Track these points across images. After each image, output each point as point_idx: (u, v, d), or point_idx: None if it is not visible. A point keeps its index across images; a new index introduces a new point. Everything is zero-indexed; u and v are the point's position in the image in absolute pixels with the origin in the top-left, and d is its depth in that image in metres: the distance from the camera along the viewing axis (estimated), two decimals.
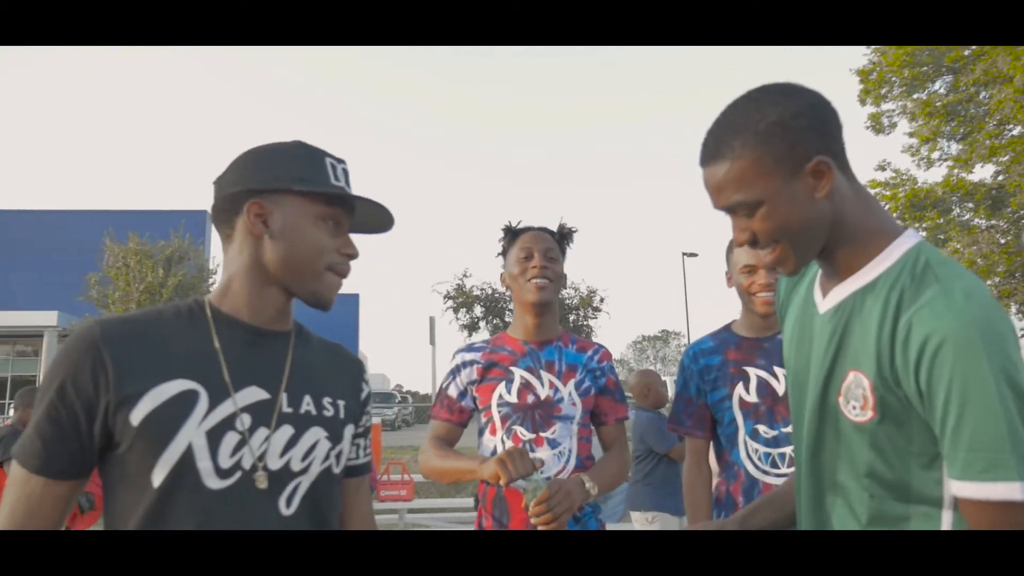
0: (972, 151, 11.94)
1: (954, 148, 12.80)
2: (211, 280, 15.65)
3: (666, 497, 4.25)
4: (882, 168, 12.95)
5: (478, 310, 15.97)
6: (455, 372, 2.14)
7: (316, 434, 1.17)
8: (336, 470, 1.21)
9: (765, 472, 2.02)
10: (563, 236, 2.19)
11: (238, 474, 1.08)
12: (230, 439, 1.08)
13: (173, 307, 1.17)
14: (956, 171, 12.51)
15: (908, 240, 1.09)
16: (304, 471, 1.14)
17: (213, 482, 1.06)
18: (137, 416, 1.03)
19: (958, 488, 0.97)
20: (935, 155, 12.98)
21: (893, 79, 13.24)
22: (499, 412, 2.04)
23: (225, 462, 1.07)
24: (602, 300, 15.96)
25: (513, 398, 2.04)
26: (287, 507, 1.12)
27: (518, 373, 2.06)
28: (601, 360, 2.14)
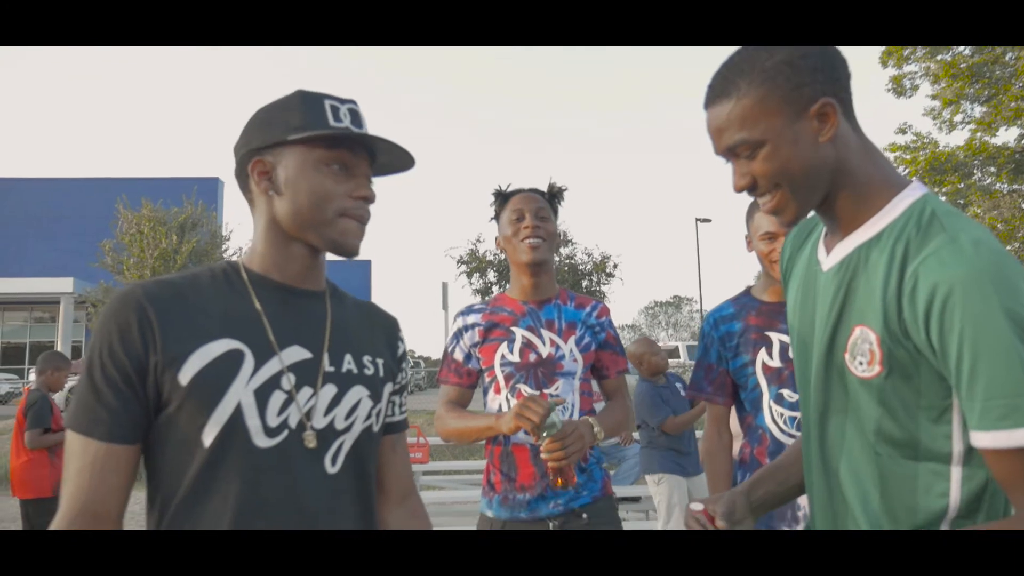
0: (996, 113, 11.68)
1: (977, 111, 12.54)
2: (224, 247, 15.70)
3: (671, 459, 4.32)
4: (903, 131, 12.71)
5: (491, 275, 15.97)
6: (458, 336, 2.19)
7: (358, 393, 1.17)
8: (376, 428, 1.21)
9: (791, 435, 2.01)
10: (553, 195, 2.22)
11: (285, 432, 1.08)
12: (277, 398, 1.08)
13: (208, 270, 1.16)
14: (979, 134, 12.26)
15: (914, 192, 1.06)
16: (348, 429, 1.15)
17: (262, 440, 1.06)
18: (186, 375, 1.03)
19: (978, 439, 0.94)
20: (958, 118, 12.72)
21: None
22: (502, 371, 2.09)
23: (273, 420, 1.07)
24: (615, 266, 15.91)
25: (516, 357, 2.09)
26: (332, 465, 1.12)
27: (519, 333, 2.11)
28: (600, 316, 2.17)
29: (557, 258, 15.90)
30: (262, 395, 1.07)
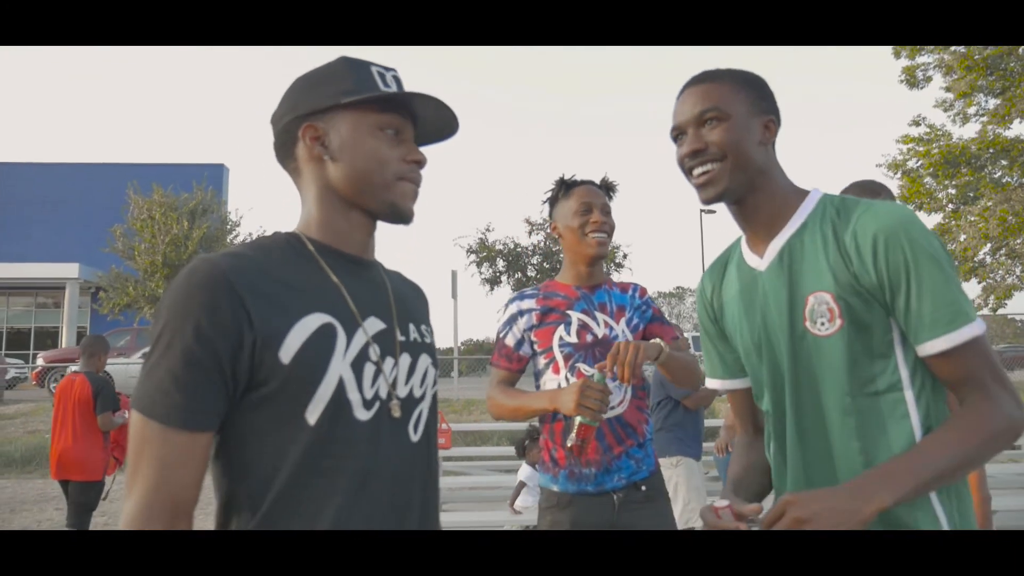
0: (1012, 106, 11.65)
1: (991, 103, 12.50)
2: (234, 232, 15.73)
3: (687, 443, 4.44)
4: (916, 123, 12.68)
5: (500, 264, 15.98)
6: (512, 321, 2.26)
7: (426, 360, 1.18)
8: (436, 394, 1.23)
9: None
10: (608, 189, 2.32)
11: (378, 404, 1.07)
12: (368, 370, 1.07)
13: (269, 242, 1.12)
14: (992, 127, 12.25)
15: (815, 194, 1.34)
16: (423, 397, 1.16)
17: (361, 413, 1.05)
18: (287, 353, 0.99)
19: (931, 347, 1.18)
20: (971, 110, 12.69)
21: None
22: (561, 352, 2.18)
23: (368, 393, 1.06)
24: (625, 256, 15.93)
25: (573, 338, 2.19)
26: (415, 433, 1.12)
27: (575, 316, 2.21)
28: (641, 295, 2.33)
29: None
30: (357, 368, 1.05)
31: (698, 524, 4.21)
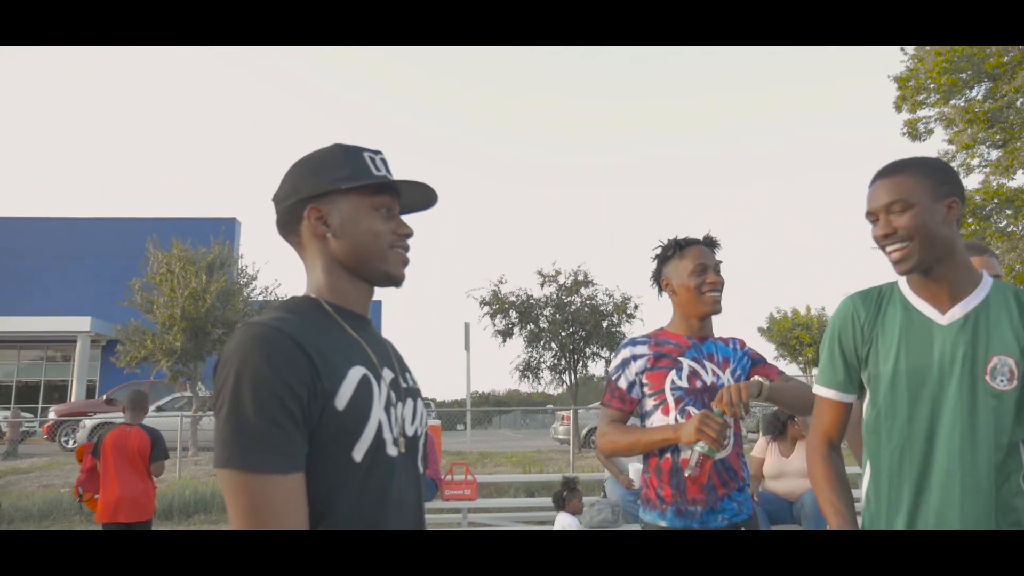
0: (1013, 158, 11.93)
1: (993, 155, 12.79)
2: (251, 286, 15.91)
3: None
4: None
5: (513, 315, 16.08)
6: (624, 365, 2.40)
7: (420, 403, 1.36)
8: None
9: None
10: (715, 247, 2.48)
11: (401, 441, 1.24)
12: (392, 413, 1.23)
13: (298, 305, 1.26)
14: (995, 178, 12.51)
15: (988, 277, 1.65)
16: (422, 434, 1.33)
17: (392, 450, 1.21)
18: (342, 401, 1.13)
19: None
20: (974, 162, 12.98)
21: (930, 85, 13.26)
22: (672, 395, 2.32)
23: (395, 432, 1.22)
24: (636, 307, 16.05)
25: (684, 383, 2.33)
26: (420, 465, 1.31)
27: (686, 363, 2.35)
28: (742, 347, 2.49)
29: (579, 299, 16.07)
30: (387, 412, 1.21)
31: None
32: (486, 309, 15.94)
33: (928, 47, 13.15)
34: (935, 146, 18.30)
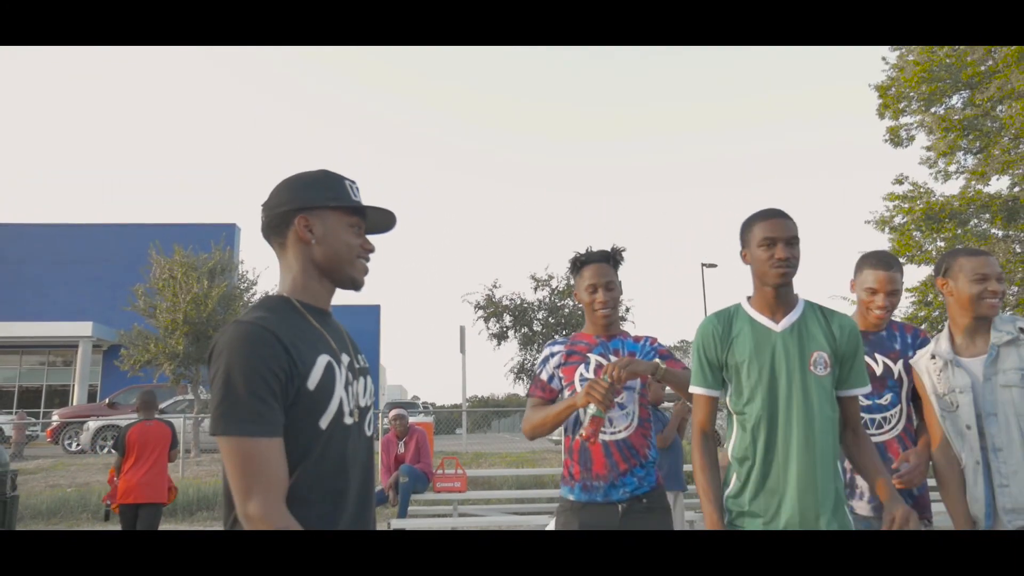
0: (987, 164, 12.33)
1: (971, 161, 13.16)
2: (252, 291, 16.27)
3: (665, 478, 5.09)
4: (899, 182, 13.34)
5: (507, 319, 16.47)
6: (545, 361, 2.82)
7: (369, 380, 1.68)
8: None
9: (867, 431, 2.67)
10: (616, 261, 2.82)
11: (355, 413, 1.56)
12: (349, 390, 1.55)
13: (267, 308, 1.54)
14: (973, 183, 12.88)
15: (802, 298, 2.29)
16: (371, 406, 1.65)
17: (348, 420, 1.54)
18: (312, 383, 1.46)
19: (851, 392, 2.23)
20: (952, 168, 13.36)
21: (911, 94, 13.60)
22: (581, 385, 2.68)
23: (350, 405, 1.55)
24: (628, 310, 16.43)
25: (590, 375, 2.70)
26: (368, 430, 1.62)
27: (593, 358, 2.74)
28: (652, 344, 2.83)
29: (572, 303, 16.42)
30: (346, 390, 1.53)
31: None
32: (480, 313, 16.38)
33: (909, 57, 13.54)
34: (916, 153, 18.61)
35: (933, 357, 2.51)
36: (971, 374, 2.41)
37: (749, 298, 2.33)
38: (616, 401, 2.66)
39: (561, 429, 2.80)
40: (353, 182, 1.68)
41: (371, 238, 1.71)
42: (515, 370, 16.73)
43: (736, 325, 2.29)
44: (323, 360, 1.51)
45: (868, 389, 2.25)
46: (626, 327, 16.35)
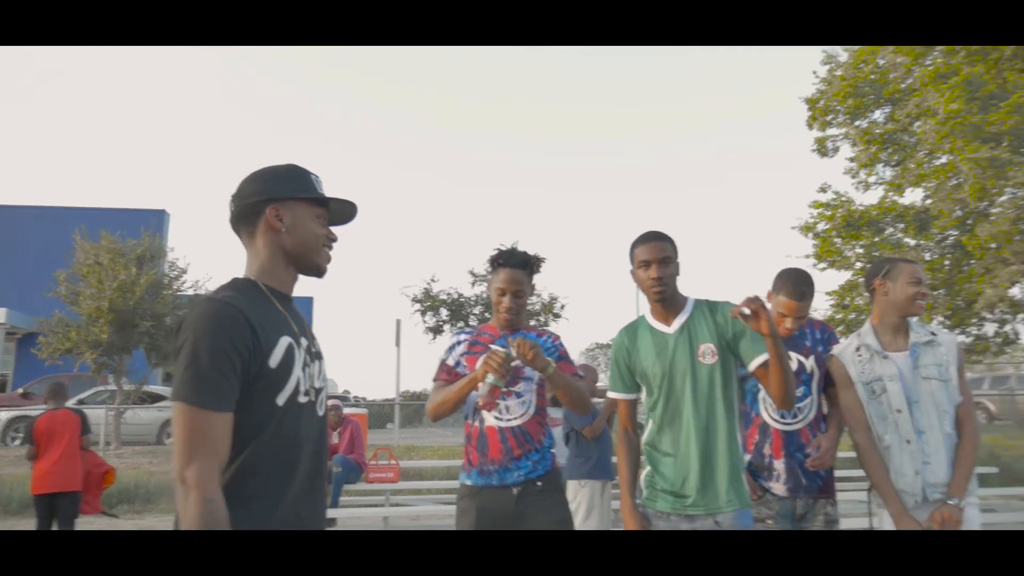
0: (903, 176, 13.03)
1: (889, 173, 13.88)
2: (182, 280, 15.79)
3: (592, 468, 5.21)
4: (823, 190, 13.98)
5: (444, 313, 16.49)
6: (451, 349, 2.97)
7: (323, 364, 1.77)
8: None
9: (776, 421, 2.98)
10: (532, 269, 2.92)
11: (310, 392, 1.66)
12: (306, 371, 1.65)
13: (236, 289, 1.62)
14: (890, 194, 13.59)
15: (692, 298, 2.62)
16: (324, 387, 1.74)
17: (303, 399, 1.63)
18: (274, 361, 1.55)
19: (758, 362, 2.46)
20: (872, 179, 14.06)
21: (838, 108, 14.25)
22: (480, 384, 2.75)
23: (306, 385, 1.64)
24: (563, 307, 16.67)
25: None
26: (320, 410, 1.71)
27: (495, 348, 2.80)
28: (554, 340, 2.98)
29: None
30: (303, 371, 1.63)
31: None
32: (417, 306, 16.36)
33: (837, 72, 14.17)
34: (841, 163, 19.44)
35: (858, 349, 2.82)
36: (898, 366, 2.76)
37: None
38: (514, 390, 2.81)
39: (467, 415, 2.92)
40: (317, 176, 1.77)
41: (334, 229, 1.82)
42: None
43: (640, 335, 2.63)
44: (285, 341, 1.60)
45: (768, 357, 2.42)
46: (560, 324, 16.62)
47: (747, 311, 2.29)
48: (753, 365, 2.47)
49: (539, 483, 2.77)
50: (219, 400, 1.45)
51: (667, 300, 2.56)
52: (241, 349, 1.49)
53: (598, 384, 5.84)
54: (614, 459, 6.04)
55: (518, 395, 2.81)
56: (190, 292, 15.91)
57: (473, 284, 16.66)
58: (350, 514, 6.31)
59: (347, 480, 6.77)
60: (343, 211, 1.83)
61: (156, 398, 15.62)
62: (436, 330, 16.62)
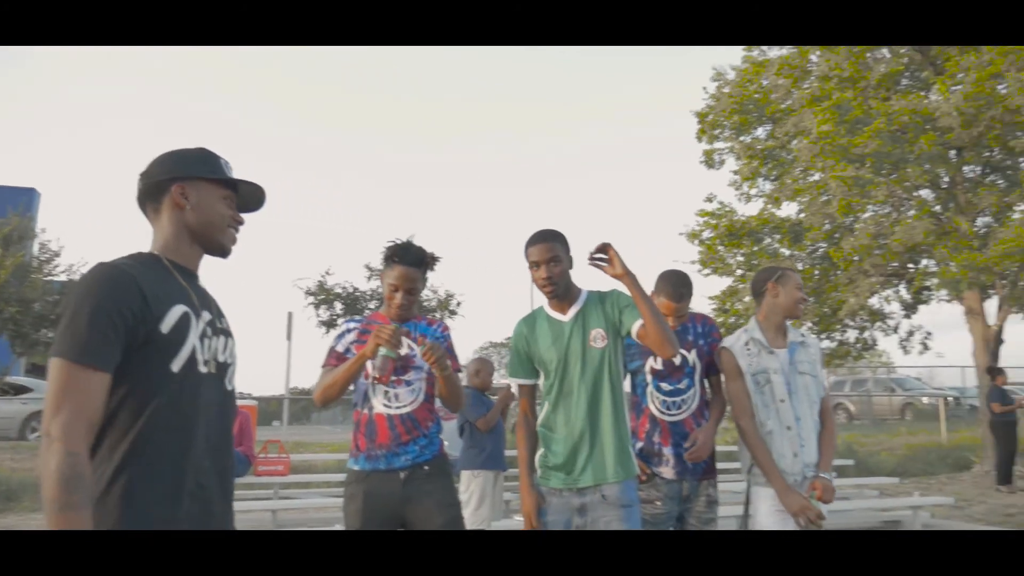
0: (781, 191, 13.94)
1: (768, 187, 14.79)
2: (54, 263, 14.79)
3: (485, 459, 5.39)
4: (710, 200, 14.72)
5: (338, 307, 16.26)
6: (341, 336, 3.03)
7: (231, 340, 1.82)
8: None
9: (663, 412, 3.25)
10: (426, 267, 3.00)
11: (211, 364, 1.69)
12: (206, 343, 1.68)
13: (134, 259, 1.65)
14: (768, 207, 14.48)
15: (585, 290, 2.85)
16: (231, 363, 1.79)
17: (203, 368, 1.66)
18: (166, 326, 1.58)
19: (638, 324, 2.65)
20: (753, 191, 14.94)
21: (725, 122, 15.03)
22: (372, 363, 2.86)
23: (206, 356, 1.67)
24: (459, 304, 16.81)
25: (380, 353, 2.88)
26: (228, 385, 1.76)
27: (382, 325, 2.87)
28: (443, 331, 3.08)
29: None
30: (201, 341, 1.66)
31: (485, 527, 5.13)
32: (311, 299, 16.06)
33: (725, 89, 14.96)
34: (726, 176, 20.52)
35: (747, 344, 3.17)
36: (780, 361, 3.16)
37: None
38: (403, 379, 2.89)
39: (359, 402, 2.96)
40: (227, 161, 1.83)
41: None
42: None
43: (538, 324, 2.84)
44: (179, 309, 1.63)
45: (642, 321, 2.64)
46: (456, 320, 16.73)
47: (602, 257, 2.58)
48: (634, 329, 2.66)
49: (426, 467, 2.85)
50: (95, 358, 1.46)
51: (560, 296, 2.78)
52: (126, 312, 1.51)
53: (494, 380, 6.00)
54: (510, 453, 6.21)
55: (407, 383, 2.90)
56: (63, 277, 14.95)
57: (369, 278, 16.55)
58: (237, 507, 6.17)
59: (236, 473, 6.63)
60: (253, 197, 1.88)
61: (20, 390, 14.54)
62: (330, 324, 16.37)
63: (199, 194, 1.74)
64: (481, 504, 5.30)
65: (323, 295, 16.12)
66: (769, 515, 3.06)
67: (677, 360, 3.23)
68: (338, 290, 16.27)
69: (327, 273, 16.50)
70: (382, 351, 2.66)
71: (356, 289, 16.32)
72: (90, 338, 1.46)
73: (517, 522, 5.89)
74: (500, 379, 8.94)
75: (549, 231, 2.76)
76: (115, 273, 1.54)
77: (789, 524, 2.99)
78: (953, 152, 11.92)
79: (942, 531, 1.65)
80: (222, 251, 1.81)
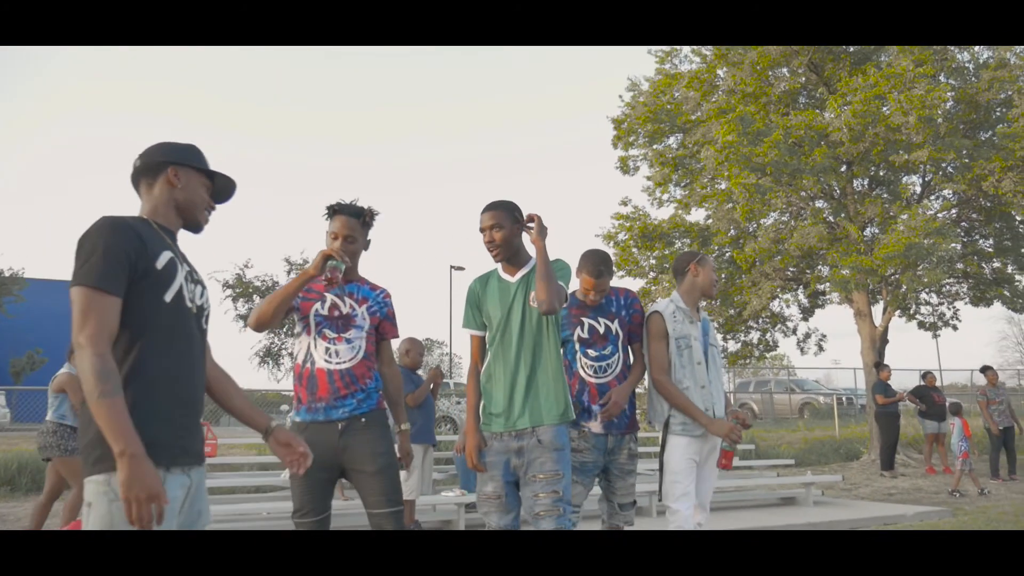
0: (691, 197, 14.75)
1: (679, 193, 15.59)
2: None
3: (414, 433, 5.76)
4: (624, 204, 15.38)
5: (257, 300, 16.05)
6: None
7: (206, 290, 2.20)
8: None
9: (590, 376, 3.68)
10: (366, 220, 3.23)
11: (195, 303, 2.07)
12: (187, 286, 2.05)
13: (135, 220, 1.98)
14: (679, 212, 15.28)
15: (534, 256, 3.09)
16: (207, 308, 2.18)
17: (188, 304, 2.04)
18: (160, 264, 1.95)
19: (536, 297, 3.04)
20: (665, 197, 15.71)
21: (639, 130, 15.70)
22: (314, 320, 3.11)
23: (189, 295, 2.05)
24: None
25: (324, 312, 3.13)
26: (205, 324, 2.15)
27: (329, 296, 3.15)
28: (386, 297, 3.28)
29: None
30: (186, 282, 2.03)
31: (414, 496, 5.46)
32: (229, 292, 15.80)
33: (640, 99, 15.65)
34: (640, 182, 21.27)
35: (674, 313, 3.72)
36: (698, 330, 3.73)
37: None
38: (344, 336, 3.09)
39: (298, 362, 3.15)
40: (207, 160, 2.22)
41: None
42: (260, 354, 16.35)
43: (490, 283, 3.16)
44: (168, 254, 2.00)
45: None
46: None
47: (530, 225, 3.03)
48: (532, 293, 3.04)
49: (363, 419, 3.03)
50: (109, 284, 1.81)
51: (507, 259, 3.10)
52: (129, 250, 1.86)
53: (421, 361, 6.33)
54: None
55: (348, 341, 3.07)
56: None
57: (289, 272, 16.39)
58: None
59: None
60: (224, 190, 2.25)
61: None
62: (247, 318, 16.13)
63: (188, 178, 2.12)
64: (411, 475, 5.60)
65: (241, 288, 15.89)
66: (681, 461, 3.58)
67: (601, 329, 3.67)
68: (257, 283, 16.07)
69: (246, 266, 16.28)
70: (330, 263, 2.95)
71: (276, 283, 16.15)
72: (104, 269, 1.82)
73: (445, 498, 6.23)
74: (427, 362, 9.22)
75: (497, 201, 3.06)
76: (118, 221, 1.90)
77: (699, 470, 3.63)
78: (844, 167, 12.97)
79: (941, 531, 1.89)
80: (197, 227, 2.18)
